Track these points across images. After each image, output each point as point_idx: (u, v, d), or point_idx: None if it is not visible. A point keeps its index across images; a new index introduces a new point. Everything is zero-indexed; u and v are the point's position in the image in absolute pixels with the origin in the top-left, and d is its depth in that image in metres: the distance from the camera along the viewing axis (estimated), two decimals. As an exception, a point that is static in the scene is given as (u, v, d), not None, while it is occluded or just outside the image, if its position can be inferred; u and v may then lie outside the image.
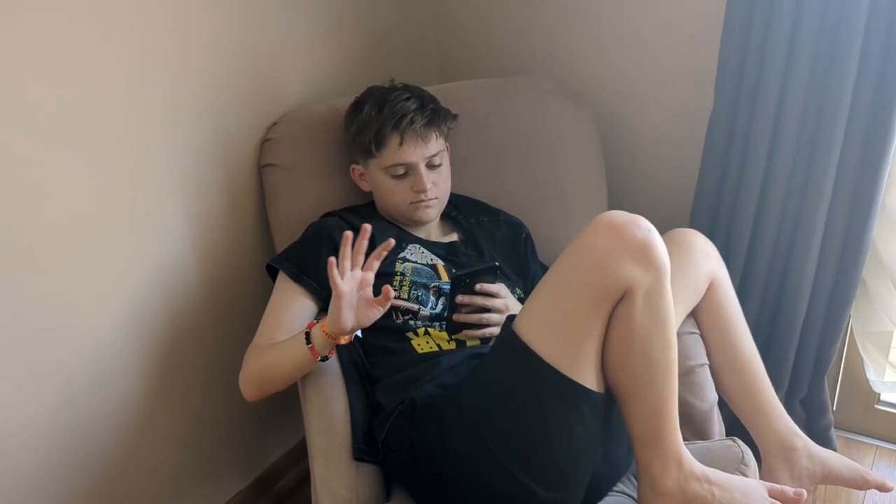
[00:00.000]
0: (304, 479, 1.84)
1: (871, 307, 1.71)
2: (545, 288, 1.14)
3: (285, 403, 1.76)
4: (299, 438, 1.85)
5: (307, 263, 1.39)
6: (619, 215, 1.10)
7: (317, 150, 1.59)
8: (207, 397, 1.59)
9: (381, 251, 1.21)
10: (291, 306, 1.37)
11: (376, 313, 1.21)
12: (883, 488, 1.35)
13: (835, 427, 1.82)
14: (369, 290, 1.21)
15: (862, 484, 1.36)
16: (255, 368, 1.32)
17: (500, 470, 1.12)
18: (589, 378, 1.11)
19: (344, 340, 1.23)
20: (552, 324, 1.11)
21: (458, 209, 1.58)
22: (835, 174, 1.55)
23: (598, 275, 1.08)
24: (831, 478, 1.37)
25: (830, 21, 1.45)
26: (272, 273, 1.45)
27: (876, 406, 1.87)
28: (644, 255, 1.08)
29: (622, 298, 1.10)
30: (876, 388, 1.81)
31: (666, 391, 1.14)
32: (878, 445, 1.88)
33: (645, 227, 1.09)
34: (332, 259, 1.16)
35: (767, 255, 1.66)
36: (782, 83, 1.52)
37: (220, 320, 1.58)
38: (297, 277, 1.38)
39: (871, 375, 1.79)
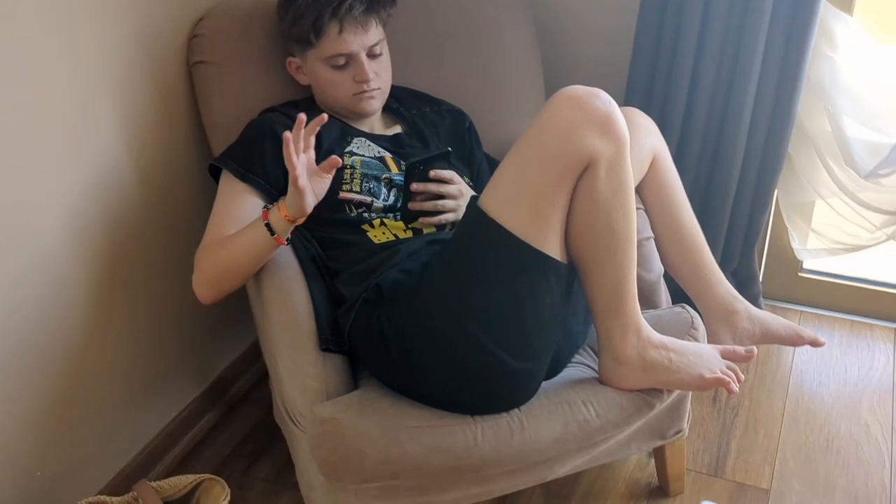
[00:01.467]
0: (257, 384, 1.84)
1: (796, 179, 1.80)
2: (510, 163, 1.15)
3: (230, 312, 1.75)
4: (249, 344, 1.84)
5: (252, 161, 1.35)
6: (581, 89, 1.11)
7: (249, 43, 1.53)
8: (153, 306, 1.55)
9: (314, 125, 1.18)
10: (240, 204, 1.34)
11: (327, 180, 1.22)
12: (815, 343, 1.44)
13: (763, 296, 1.93)
14: (314, 165, 1.22)
15: (797, 340, 1.45)
16: (211, 266, 1.29)
17: (471, 342, 1.15)
18: (555, 249, 1.14)
19: (301, 220, 1.22)
20: (518, 197, 1.12)
21: (400, 101, 1.56)
22: (763, 48, 1.60)
23: (563, 146, 1.10)
24: (769, 337, 1.46)
25: None
26: (215, 174, 1.41)
27: (800, 274, 1.98)
28: (606, 126, 1.10)
29: (585, 170, 1.12)
30: (800, 256, 1.92)
31: (626, 261, 1.17)
32: (802, 311, 2.00)
33: (606, 100, 1.11)
34: (288, 135, 1.13)
35: (700, 130, 1.71)
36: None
37: (161, 226, 1.53)
38: (243, 176, 1.35)
39: (796, 244, 1.89)
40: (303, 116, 1.15)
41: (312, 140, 1.20)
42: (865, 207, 1.70)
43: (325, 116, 1.18)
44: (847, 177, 1.69)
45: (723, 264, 1.84)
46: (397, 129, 1.53)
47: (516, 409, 1.22)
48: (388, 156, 1.44)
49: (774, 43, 1.60)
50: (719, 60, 1.64)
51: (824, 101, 1.67)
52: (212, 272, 1.29)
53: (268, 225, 1.22)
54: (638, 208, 1.48)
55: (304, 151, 1.19)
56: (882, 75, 1.64)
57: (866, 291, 1.96)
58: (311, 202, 1.19)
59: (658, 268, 1.47)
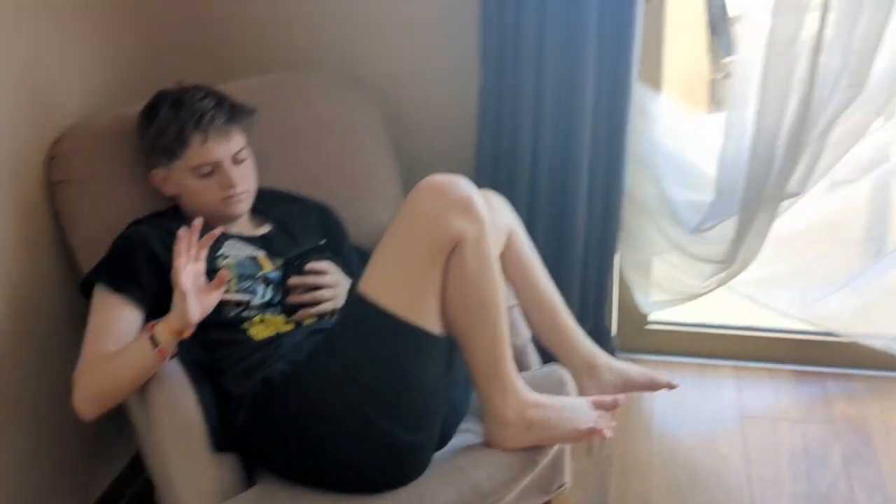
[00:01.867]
0: (142, 497, 1.79)
1: (633, 240, 1.98)
2: (384, 249, 1.24)
3: (106, 431, 1.70)
4: (129, 458, 1.80)
5: (125, 272, 1.37)
6: (442, 177, 1.23)
7: (109, 159, 1.56)
8: (26, 435, 1.51)
9: (208, 240, 1.25)
10: (117, 318, 1.35)
11: (216, 296, 1.27)
12: (670, 386, 1.58)
13: (617, 349, 2.09)
14: (202, 280, 1.27)
15: (654, 385, 1.59)
16: (93, 384, 1.28)
17: (364, 420, 1.21)
18: (434, 324, 1.23)
19: (188, 333, 1.25)
20: (395, 280, 1.22)
21: (266, 201, 1.62)
22: (590, 129, 1.80)
23: (431, 230, 1.20)
24: (630, 385, 1.59)
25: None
26: (87, 290, 1.41)
27: (647, 326, 2.17)
28: (468, 209, 1.22)
29: (453, 249, 1.22)
30: (644, 310, 2.10)
31: (499, 329, 1.28)
32: (654, 359, 2.18)
33: (465, 185, 1.23)
34: (181, 238, 1.19)
35: (545, 204, 1.88)
36: (537, 60, 1.74)
37: (31, 351, 1.51)
38: (117, 287, 1.36)
39: (640, 299, 2.07)
40: (198, 223, 1.21)
41: (204, 253, 1.25)
42: (696, 259, 1.90)
43: (218, 231, 1.25)
44: (676, 234, 1.89)
45: (580, 323, 1.98)
46: (266, 229, 1.59)
47: (413, 483, 1.28)
48: (260, 254, 1.49)
49: (599, 123, 1.80)
50: (554, 142, 1.82)
51: (648, 169, 1.88)
52: (96, 389, 1.28)
53: (153, 338, 1.24)
54: (501, 280, 1.60)
55: (194, 262, 1.24)
56: (692, 142, 1.87)
57: (707, 335, 2.17)
58: (195, 312, 1.23)
59: (525, 333, 1.59)
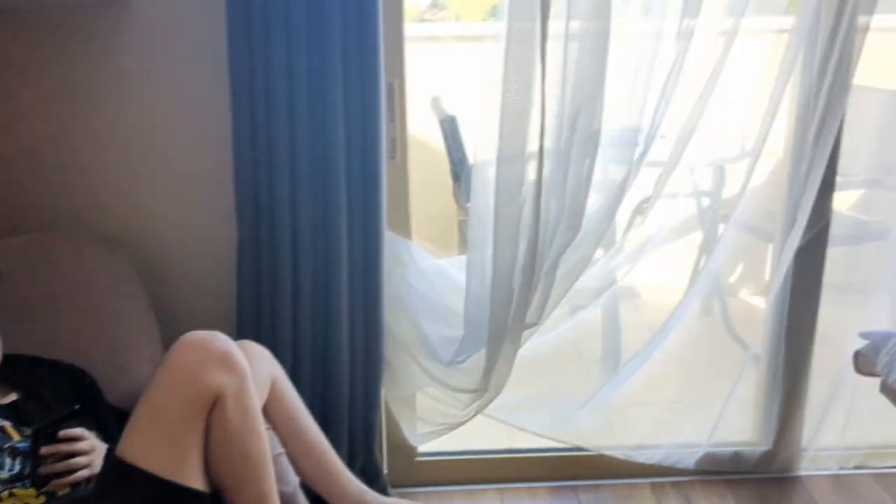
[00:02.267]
0: None
1: (396, 377, 2.08)
2: (143, 409, 1.24)
3: None
4: None
5: None
6: (199, 333, 1.27)
7: None
8: None
9: None
10: None
11: None
12: None
13: (390, 485, 2.15)
14: None
15: None
16: None
17: None
18: (197, 481, 1.23)
19: None
20: (155, 439, 1.21)
21: (11, 368, 1.56)
22: (347, 280, 1.91)
23: (190, 387, 1.23)
24: None
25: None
26: None
27: (417, 458, 2.25)
28: (227, 362, 1.26)
29: (214, 404, 1.25)
30: (413, 443, 2.18)
31: (265, 480, 1.31)
32: (424, 492, 2.25)
33: (223, 339, 1.28)
34: None
35: (308, 351, 1.94)
36: (292, 215, 1.85)
37: None
38: None
39: (407, 433, 2.16)
40: None
41: None
42: (453, 390, 2.03)
43: None
44: (434, 367, 2.01)
45: (351, 464, 2.03)
46: (12, 397, 1.52)
47: None
48: (6, 424, 1.42)
49: (355, 270, 1.91)
50: (313, 290, 1.91)
51: (405, 309, 2.01)
52: None
53: None
54: (267, 428, 1.62)
55: None
56: (442, 282, 2.03)
57: (473, 461, 2.28)
58: None
59: (294, 479, 1.61)
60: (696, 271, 2.47)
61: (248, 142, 1.82)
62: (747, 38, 1.95)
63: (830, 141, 1.97)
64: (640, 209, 2.50)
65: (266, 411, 1.64)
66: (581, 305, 2.26)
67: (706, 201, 2.95)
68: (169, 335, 1.48)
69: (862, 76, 2.06)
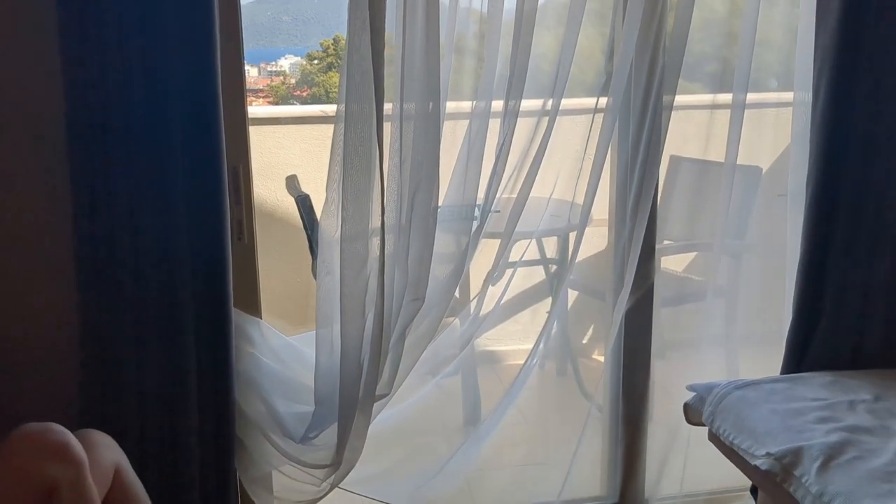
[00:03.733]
0: None
1: (250, 456, 2.08)
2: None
3: None
4: None
5: None
6: (33, 425, 1.26)
7: None
8: None
9: None
10: None
11: None
12: None
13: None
14: None
15: None
16: None
17: None
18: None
19: None
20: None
21: None
22: (195, 354, 1.92)
23: (23, 479, 1.22)
24: None
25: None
26: None
27: (275, 538, 2.23)
28: (62, 453, 1.25)
29: (51, 496, 1.24)
30: (271, 523, 2.17)
31: None
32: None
33: (59, 430, 1.27)
34: None
35: (156, 438, 1.92)
36: (136, 291, 1.85)
37: None
38: None
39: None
40: None
41: None
42: (308, 466, 2.04)
43: None
44: (287, 445, 2.02)
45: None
46: None
47: None
48: None
49: (202, 350, 1.92)
50: (158, 372, 1.90)
51: (255, 387, 2.02)
52: None
53: None
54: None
55: None
56: (293, 358, 2.07)
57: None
58: None
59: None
60: (543, 334, 2.60)
61: (88, 220, 1.81)
62: (568, 117, 2.15)
63: (647, 208, 2.15)
64: (491, 277, 2.64)
65: (107, 502, 1.61)
66: (436, 373, 2.34)
67: (553, 268, 3.14)
68: (8, 423, 1.45)
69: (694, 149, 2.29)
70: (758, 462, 1.91)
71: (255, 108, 4.16)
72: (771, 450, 1.88)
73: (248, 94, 1.99)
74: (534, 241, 2.70)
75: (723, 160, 2.46)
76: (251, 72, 5.99)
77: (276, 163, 3.56)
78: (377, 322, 1.93)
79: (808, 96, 2.19)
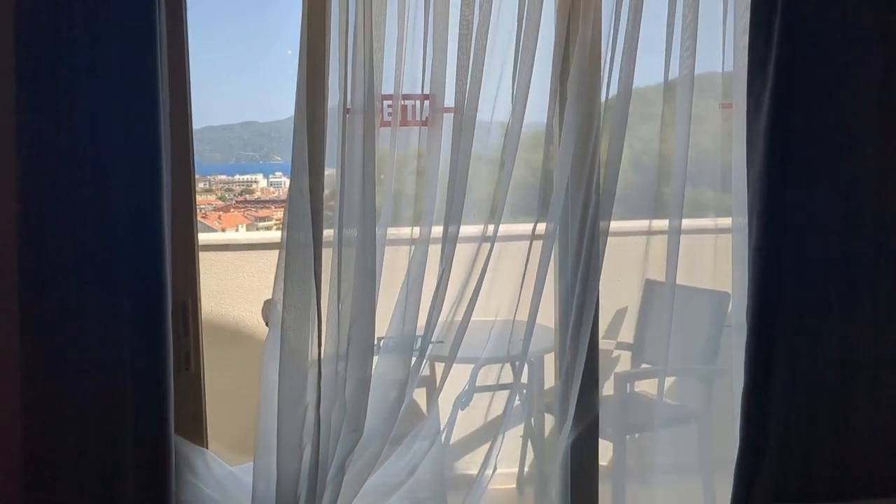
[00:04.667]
0: None
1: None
2: None
3: None
4: None
5: None
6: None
7: None
8: None
9: None
10: None
11: None
12: None
13: None
14: None
15: None
16: None
17: None
18: None
19: None
20: None
21: None
22: (133, 484, 1.95)
23: None
24: None
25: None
26: None
27: None
28: None
29: None
30: None
31: None
32: None
33: None
34: None
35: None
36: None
37: None
38: None
39: None
40: None
41: None
42: None
43: None
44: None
45: None
46: None
47: None
48: None
49: (140, 480, 1.95)
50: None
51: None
52: None
53: None
54: None
55: None
56: (235, 488, 2.09)
57: None
58: None
59: None
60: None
61: (36, 343, 1.88)
62: (507, 244, 2.22)
63: (586, 337, 2.19)
64: (459, 403, 2.68)
65: None
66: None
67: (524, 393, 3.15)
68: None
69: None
70: None
71: (234, 234, 4.33)
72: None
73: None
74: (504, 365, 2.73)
75: (696, 285, 2.53)
76: (261, 182, 6.21)
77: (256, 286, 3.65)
78: (314, 454, 1.97)
79: (744, 222, 2.25)
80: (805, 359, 2.21)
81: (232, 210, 6.06)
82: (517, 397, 2.99)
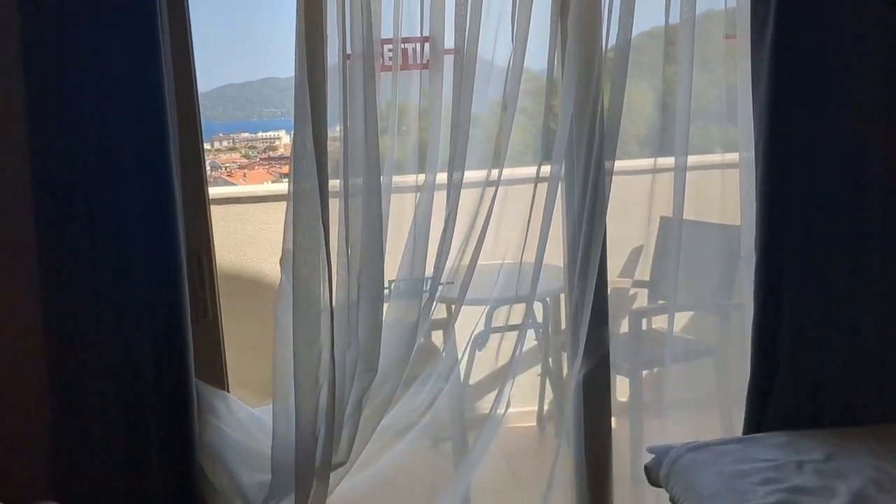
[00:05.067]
0: None
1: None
2: None
3: None
4: None
5: None
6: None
7: None
8: None
9: None
10: None
11: None
12: None
13: None
14: None
15: None
16: None
17: None
18: None
19: None
20: None
21: None
22: (156, 426, 2.04)
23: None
24: None
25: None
26: None
27: None
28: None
29: None
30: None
31: None
32: None
33: None
34: None
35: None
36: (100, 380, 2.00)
37: None
38: None
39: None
40: None
41: None
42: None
43: None
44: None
45: None
46: None
47: None
48: None
49: (164, 423, 2.04)
50: (125, 442, 2.03)
51: (219, 458, 2.12)
52: None
53: None
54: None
55: None
56: (256, 430, 2.17)
57: None
58: None
59: None
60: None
61: (55, 298, 1.95)
62: (512, 187, 2.25)
63: (593, 276, 2.22)
64: (476, 343, 2.73)
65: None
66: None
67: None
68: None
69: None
70: (700, 525, 1.93)
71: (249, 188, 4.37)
72: (711, 513, 1.91)
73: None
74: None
75: (716, 221, 2.54)
76: (284, 138, 6.26)
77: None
78: (330, 393, 2.03)
79: (751, 156, 2.25)
80: (814, 287, 2.22)
81: (256, 167, 6.12)
82: (534, 336, 3.05)
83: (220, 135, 5.83)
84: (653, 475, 2.23)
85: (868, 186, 2.17)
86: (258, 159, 6.20)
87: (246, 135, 6.36)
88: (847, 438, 2.17)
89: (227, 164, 5.67)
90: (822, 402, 2.26)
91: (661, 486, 2.18)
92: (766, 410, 2.27)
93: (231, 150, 6.16)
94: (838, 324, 2.24)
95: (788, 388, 2.25)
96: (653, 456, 2.24)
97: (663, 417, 2.76)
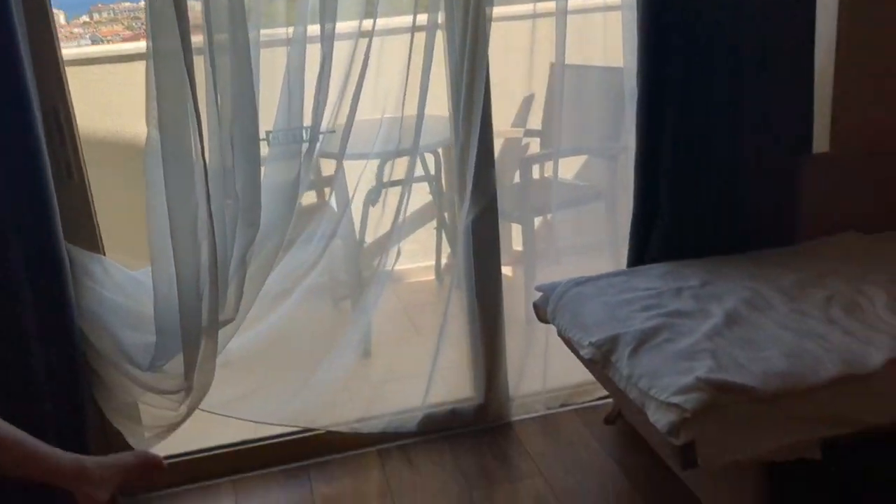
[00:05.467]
0: None
1: (106, 389, 2.14)
2: None
3: None
4: None
5: None
6: None
7: None
8: None
9: None
10: None
11: None
12: (161, 465, 1.72)
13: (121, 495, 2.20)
14: None
15: (147, 463, 1.71)
16: None
17: None
18: None
19: None
20: None
21: None
22: (30, 289, 1.96)
23: None
24: (129, 469, 1.67)
25: None
26: None
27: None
28: None
29: None
30: (139, 448, 2.24)
31: None
32: (159, 495, 2.31)
33: None
34: None
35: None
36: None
37: None
38: None
39: (131, 440, 2.22)
40: None
41: None
42: (161, 393, 2.11)
43: None
44: (137, 374, 2.09)
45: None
46: None
47: None
48: None
49: (39, 290, 1.96)
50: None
51: (99, 321, 2.06)
52: None
53: None
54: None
55: None
56: (136, 292, 2.12)
57: (206, 458, 2.38)
58: None
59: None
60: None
61: None
62: (388, 38, 2.17)
63: (477, 122, 2.19)
64: (370, 199, 2.69)
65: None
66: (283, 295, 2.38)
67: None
68: None
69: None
70: (583, 352, 2.00)
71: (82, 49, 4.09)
72: (593, 339, 1.97)
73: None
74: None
75: (601, 64, 2.50)
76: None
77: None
78: (211, 250, 1.97)
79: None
80: (693, 125, 2.24)
81: (141, 39, 5.78)
82: (428, 191, 3.03)
83: (100, 5, 5.46)
84: (541, 311, 2.29)
85: (747, 23, 2.17)
86: (142, 30, 5.83)
87: (128, 4, 5.97)
88: (725, 265, 2.26)
89: (110, 38, 5.34)
90: (705, 234, 2.33)
91: (549, 322, 2.24)
92: (649, 246, 2.33)
93: (112, 21, 5.79)
94: (716, 161, 2.28)
95: (671, 222, 2.30)
96: (541, 294, 2.30)
97: (558, 263, 2.81)
